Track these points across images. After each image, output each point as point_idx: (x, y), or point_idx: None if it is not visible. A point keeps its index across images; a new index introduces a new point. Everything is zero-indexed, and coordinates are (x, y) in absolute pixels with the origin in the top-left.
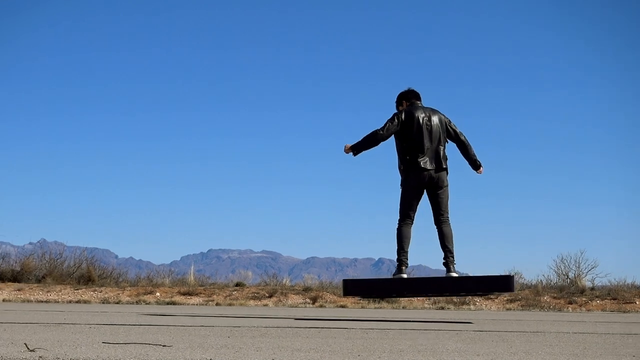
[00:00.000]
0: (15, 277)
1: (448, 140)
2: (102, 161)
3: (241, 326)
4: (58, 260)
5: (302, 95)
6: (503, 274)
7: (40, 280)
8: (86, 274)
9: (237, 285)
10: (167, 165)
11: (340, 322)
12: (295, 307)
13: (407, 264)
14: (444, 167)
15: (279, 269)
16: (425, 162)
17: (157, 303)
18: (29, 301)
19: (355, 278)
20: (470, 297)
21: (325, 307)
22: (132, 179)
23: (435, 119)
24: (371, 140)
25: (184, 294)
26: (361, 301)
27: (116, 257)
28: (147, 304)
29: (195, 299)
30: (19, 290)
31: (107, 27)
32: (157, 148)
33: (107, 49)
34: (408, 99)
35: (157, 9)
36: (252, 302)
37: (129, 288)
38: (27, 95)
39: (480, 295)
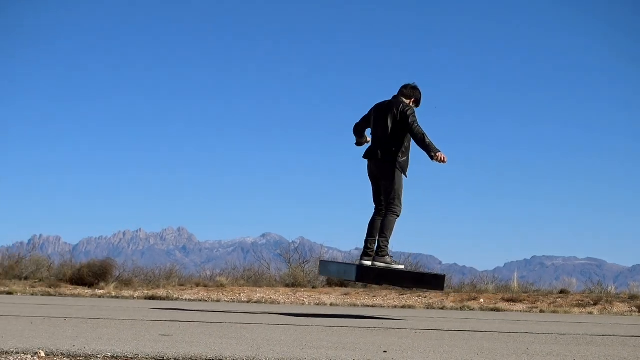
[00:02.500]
0: (342, 282)
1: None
2: (423, 172)
3: (567, 334)
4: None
5: None
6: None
7: (366, 285)
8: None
9: (561, 292)
10: (489, 171)
11: None
12: (621, 315)
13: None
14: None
15: (604, 277)
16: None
17: (481, 309)
18: (355, 305)
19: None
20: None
21: None
22: (454, 185)
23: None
24: None
25: (507, 300)
26: None
27: (440, 263)
28: (471, 310)
29: (519, 306)
30: (345, 294)
31: (101, 24)
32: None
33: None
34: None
35: (157, 8)
36: (576, 309)
37: (453, 294)
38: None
39: (409, 289)
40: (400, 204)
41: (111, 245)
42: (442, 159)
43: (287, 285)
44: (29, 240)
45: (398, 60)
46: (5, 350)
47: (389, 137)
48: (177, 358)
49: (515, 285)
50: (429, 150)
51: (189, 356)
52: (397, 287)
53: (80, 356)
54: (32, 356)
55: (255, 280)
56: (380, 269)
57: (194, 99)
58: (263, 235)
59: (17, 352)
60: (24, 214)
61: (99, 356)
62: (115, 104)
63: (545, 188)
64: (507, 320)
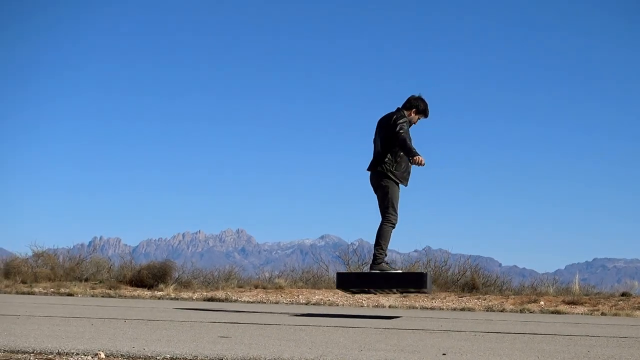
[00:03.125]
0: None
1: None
2: (485, 174)
3: (628, 337)
4: (443, 268)
5: None
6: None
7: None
8: (470, 281)
9: (622, 295)
10: (538, 172)
11: None
12: None
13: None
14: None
15: None
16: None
17: (541, 312)
18: (414, 308)
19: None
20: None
21: None
22: (510, 186)
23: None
24: None
25: (568, 303)
26: None
27: (500, 265)
28: (531, 312)
29: (580, 309)
30: (404, 296)
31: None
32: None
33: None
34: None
35: (157, 7)
36: (638, 312)
37: (513, 296)
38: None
39: (396, 292)
40: (395, 213)
41: (170, 247)
42: (420, 161)
43: None
44: (90, 242)
45: (397, 61)
46: (65, 351)
47: (383, 148)
48: (236, 359)
49: (576, 287)
50: (408, 154)
51: (248, 357)
52: (380, 291)
53: (139, 357)
54: (92, 357)
55: (314, 282)
56: (357, 275)
57: (252, 99)
58: (322, 237)
59: (78, 354)
60: (85, 215)
61: (158, 357)
62: (177, 104)
63: (607, 190)
64: (568, 323)
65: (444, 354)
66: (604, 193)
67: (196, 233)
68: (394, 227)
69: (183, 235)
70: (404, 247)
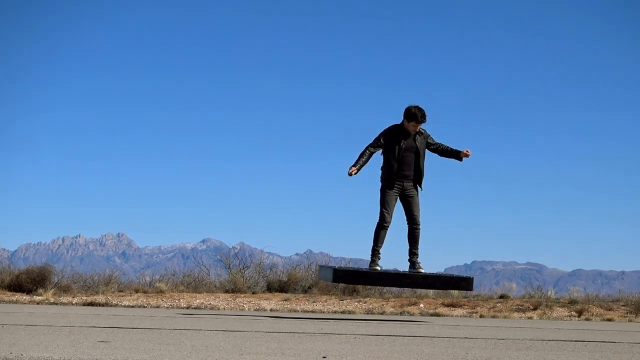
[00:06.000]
0: (282, 287)
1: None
2: (365, 175)
3: (506, 339)
4: None
5: None
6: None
7: (306, 290)
8: (351, 285)
9: (501, 297)
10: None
11: (607, 335)
12: (560, 320)
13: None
14: None
15: (544, 281)
16: None
17: (421, 314)
18: (295, 311)
19: (344, 268)
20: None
21: (591, 320)
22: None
23: None
24: None
25: (447, 305)
26: (628, 314)
27: (380, 268)
28: (410, 314)
29: (459, 311)
30: (285, 300)
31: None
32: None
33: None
34: None
35: (157, 8)
36: (516, 314)
37: (393, 299)
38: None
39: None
40: (382, 214)
41: (50, 251)
42: (349, 173)
43: (226, 291)
44: None
45: (395, 64)
46: None
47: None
48: None
49: (456, 290)
50: None
51: None
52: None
53: None
54: None
55: (195, 286)
56: (344, 270)
57: (132, 107)
58: (203, 241)
59: None
60: None
61: None
62: (56, 118)
63: (485, 193)
64: (447, 325)
65: (324, 357)
66: (481, 196)
67: (76, 237)
68: (383, 227)
69: (63, 239)
70: (285, 250)
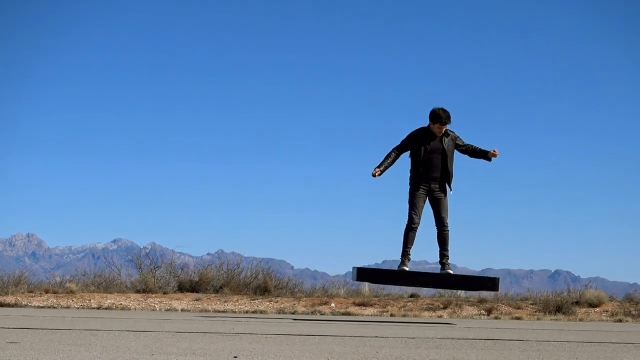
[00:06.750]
0: (193, 287)
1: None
2: (277, 172)
3: (416, 337)
4: (235, 271)
5: None
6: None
7: (217, 290)
8: (262, 284)
9: (411, 296)
10: (341, 174)
11: (515, 333)
12: (470, 318)
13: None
14: None
15: None
16: None
17: (332, 313)
18: (206, 311)
19: (367, 267)
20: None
21: (500, 318)
22: (307, 188)
23: None
24: None
25: (358, 304)
26: (537, 313)
27: (292, 267)
28: (322, 314)
29: (370, 310)
30: (197, 300)
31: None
32: (332, 154)
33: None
34: None
35: (158, 9)
36: (426, 313)
37: (305, 298)
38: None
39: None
40: (410, 216)
41: None
42: (372, 173)
43: (138, 291)
44: None
45: (395, 66)
46: None
47: None
48: None
49: (366, 289)
50: None
51: None
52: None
53: None
54: None
55: (106, 286)
56: (368, 270)
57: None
58: (114, 241)
59: None
60: None
61: None
62: None
63: (393, 193)
64: (358, 324)
65: (235, 357)
66: (390, 196)
67: None
68: (411, 229)
69: None
70: (196, 250)
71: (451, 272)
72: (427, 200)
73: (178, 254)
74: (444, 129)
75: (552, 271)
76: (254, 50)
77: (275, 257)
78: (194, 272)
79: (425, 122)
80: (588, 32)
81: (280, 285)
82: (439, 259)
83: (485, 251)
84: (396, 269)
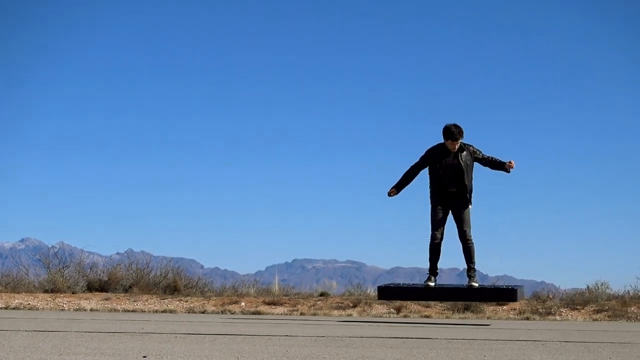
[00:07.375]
0: (102, 286)
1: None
2: (186, 171)
3: (326, 336)
4: (145, 270)
5: None
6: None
7: (127, 290)
8: (172, 283)
9: (321, 295)
10: (251, 173)
11: (424, 331)
12: (380, 317)
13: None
14: None
15: (364, 279)
16: None
17: (242, 313)
18: (116, 310)
19: (389, 285)
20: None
21: (409, 317)
22: (217, 188)
23: None
24: None
25: (268, 303)
26: (446, 311)
27: (202, 267)
28: (232, 313)
29: (280, 309)
30: (106, 299)
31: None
32: (242, 153)
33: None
34: None
35: (158, 9)
36: (336, 312)
37: (215, 298)
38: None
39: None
40: (432, 231)
41: None
42: (388, 193)
43: (46, 291)
44: None
45: (395, 66)
46: None
47: None
48: None
49: (276, 288)
50: None
51: None
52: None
53: None
54: None
55: (14, 286)
56: (392, 288)
57: None
58: (22, 240)
59: None
60: None
61: None
62: None
63: (304, 192)
64: (268, 323)
65: (144, 357)
66: (301, 194)
67: None
68: (433, 244)
69: None
70: (105, 249)
71: (475, 285)
72: (450, 215)
73: (87, 253)
74: (457, 145)
75: (461, 269)
76: (254, 50)
77: (185, 256)
78: (103, 272)
79: (422, 123)
80: (588, 32)
81: (190, 285)
82: (466, 272)
83: (394, 250)
84: (422, 284)
